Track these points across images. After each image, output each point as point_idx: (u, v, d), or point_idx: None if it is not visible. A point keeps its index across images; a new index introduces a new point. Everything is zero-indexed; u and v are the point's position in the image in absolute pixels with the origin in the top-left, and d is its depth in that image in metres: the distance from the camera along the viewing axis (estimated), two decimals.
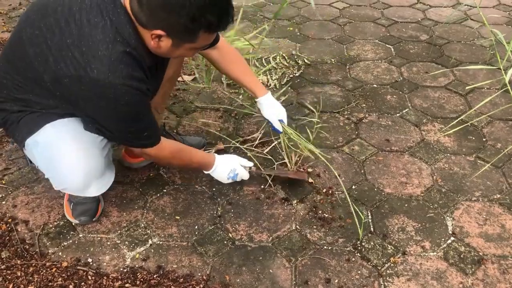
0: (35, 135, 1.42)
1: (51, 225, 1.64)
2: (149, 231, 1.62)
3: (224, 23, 1.26)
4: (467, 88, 2.43)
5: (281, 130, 1.84)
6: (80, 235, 1.60)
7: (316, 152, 1.81)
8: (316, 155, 1.82)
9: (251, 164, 1.76)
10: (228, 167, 1.69)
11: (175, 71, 1.77)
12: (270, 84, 2.46)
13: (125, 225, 1.65)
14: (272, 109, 1.82)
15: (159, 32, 1.22)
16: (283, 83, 2.48)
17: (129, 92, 1.27)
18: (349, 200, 1.65)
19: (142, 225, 1.65)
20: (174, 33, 1.24)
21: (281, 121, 1.83)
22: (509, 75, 1.46)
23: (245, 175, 1.74)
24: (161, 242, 1.58)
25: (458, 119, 2.18)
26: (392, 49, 2.86)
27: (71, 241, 1.58)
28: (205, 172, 1.70)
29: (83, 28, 1.24)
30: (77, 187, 1.50)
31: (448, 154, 2.00)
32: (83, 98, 1.30)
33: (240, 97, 2.35)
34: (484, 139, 2.09)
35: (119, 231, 1.62)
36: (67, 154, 1.43)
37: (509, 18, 3.28)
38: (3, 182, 1.81)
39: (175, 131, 2.08)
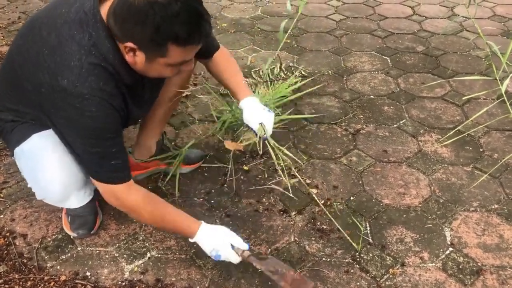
0: (22, 145, 1.44)
1: (49, 239, 1.64)
2: (147, 244, 1.62)
3: (195, 36, 1.20)
4: (463, 98, 2.45)
5: (265, 136, 1.59)
6: (79, 249, 1.60)
7: (294, 158, 1.73)
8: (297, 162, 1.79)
9: (245, 246, 1.44)
10: (210, 245, 1.42)
11: (176, 93, 1.73)
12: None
13: (123, 238, 1.65)
14: (254, 114, 1.59)
15: (130, 44, 1.21)
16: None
17: (95, 102, 1.23)
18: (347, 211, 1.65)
19: (141, 238, 1.65)
20: (144, 46, 1.21)
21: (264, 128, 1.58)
22: (505, 85, 1.47)
23: (233, 259, 1.43)
24: (159, 255, 1.58)
25: (455, 129, 2.19)
26: (389, 60, 2.88)
27: (69, 254, 1.58)
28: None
29: (62, 39, 1.24)
30: (56, 198, 1.51)
31: (446, 165, 2.01)
32: (55, 107, 1.28)
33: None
34: (481, 150, 2.10)
35: (117, 244, 1.62)
36: (47, 165, 1.43)
37: (504, 29, 3.31)
38: (1, 195, 1.81)
39: (173, 143, 2.09)
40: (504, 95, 1.37)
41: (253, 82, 2.58)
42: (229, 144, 1.85)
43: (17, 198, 1.80)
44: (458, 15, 3.52)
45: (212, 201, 1.81)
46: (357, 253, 1.59)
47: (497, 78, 1.51)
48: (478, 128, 2.22)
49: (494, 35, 3.23)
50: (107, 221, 1.71)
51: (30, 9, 3.56)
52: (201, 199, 1.81)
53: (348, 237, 1.61)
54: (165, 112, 1.79)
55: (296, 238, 1.65)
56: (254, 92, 2.48)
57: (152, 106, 1.68)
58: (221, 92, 2.52)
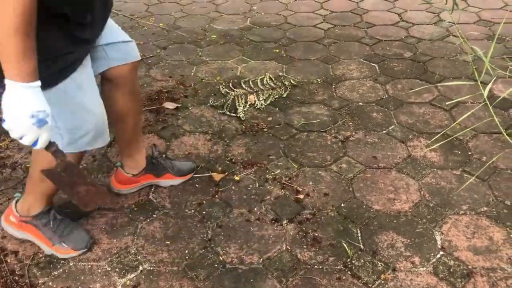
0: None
1: (41, 255, 1.63)
2: (139, 257, 1.62)
3: None
4: (447, 103, 2.47)
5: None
6: (71, 264, 1.60)
7: None
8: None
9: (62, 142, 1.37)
10: (12, 110, 1.15)
11: (133, 108, 1.72)
12: (257, 105, 2.49)
13: (115, 252, 1.65)
14: None
15: None
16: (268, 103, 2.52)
17: None
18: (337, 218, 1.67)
19: (133, 251, 1.65)
20: None
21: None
22: (487, 90, 1.49)
23: (28, 139, 1.19)
24: (151, 268, 1.58)
25: (442, 132, 2.21)
26: (377, 67, 2.91)
27: (61, 270, 1.58)
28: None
29: None
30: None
31: (435, 169, 2.03)
32: None
33: (226, 117, 2.38)
34: (469, 153, 2.12)
35: (109, 258, 1.62)
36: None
37: (489, 34, 3.35)
38: None
39: (164, 155, 2.10)
40: (487, 99, 1.39)
41: (243, 92, 2.60)
42: (216, 176, 1.99)
43: None
44: (444, 21, 3.56)
45: (204, 212, 1.81)
46: (348, 260, 1.60)
47: (479, 83, 1.53)
48: (466, 131, 2.25)
49: (480, 39, 3.27)
50: (99, 235, 1.71)
51: None
52: (192, 211, 1.82)
53: (339, 244, 1.62)
54: (133, 124, 1.77)
55: (288, 247, 1.66)
56: (245, 102, 2.50)
57: (120, 123, 1.72)
58: (211, 103, 2.53)
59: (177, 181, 1.94)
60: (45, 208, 1.61)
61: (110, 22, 1.56)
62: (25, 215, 1.62)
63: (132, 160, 1.85)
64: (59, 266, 1.59)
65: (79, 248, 1.62)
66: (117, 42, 1.56)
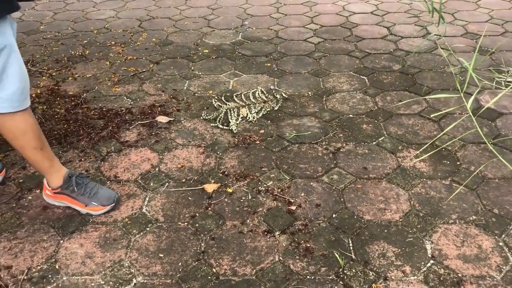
0: None
1: (34, 270, 1.64)
2: (133, 270, 1.63)
3: None
4: (432, 116, 2.52)
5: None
6: (64, 278, 1.60)
7: None
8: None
9: None
10: None
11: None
12: (249, 118, 2.52)
13: (109, 265, 1.65)
14: None
15: None
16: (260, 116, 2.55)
17: None
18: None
19: (126, 264, 1.66)
20: None
21: None
22: (470, 101, 1.54)
23: None
24: (145, 281, 1.59)
25: (429, 142, 2.25)
26: (366, 80, 2.96)
27: (55, 284, 1.58)
28: None
29: None
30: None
31: (424, 179, 2.06)
32: None
33: (218, 130, 2.40)
34: (458, 163, 2.16)
35: (103, 272, 1.63)
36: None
37: (475, 46, 3.42)
38: None
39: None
40: (469, 110, 1.43)
41: (235, 106, 2.63)
42: (208, 187, 2.02)
43: (1, 231, 1.80)
44: (432, 34, 3.63)
45: (197, 225, 1.83)
46: (340, 270, 1.62)
47: (461, 95, 1.57)
48: (455, 141, 2.29)
49: (467, 51, 3.34)
50: (93, 248, 1.72)
51: None
52: (185, 223, 1.83)
53: (331, 254, 1.64)
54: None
55: (280, 258, 1.68)
56: (237, 115, 2.53)
57: None
58: (204, 117, 2.56)
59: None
60: (65, 177, 1.87)
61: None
62: (55, 186, 1.88)
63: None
64: (52, 281, 1.59)
65: (107, 204, 1.87)
66: None
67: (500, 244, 1.71)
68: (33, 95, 2.83)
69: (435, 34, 3.61)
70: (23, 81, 1.62)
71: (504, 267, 1.62)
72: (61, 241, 1.76)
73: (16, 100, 1.61)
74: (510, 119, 2.48)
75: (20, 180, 2.09)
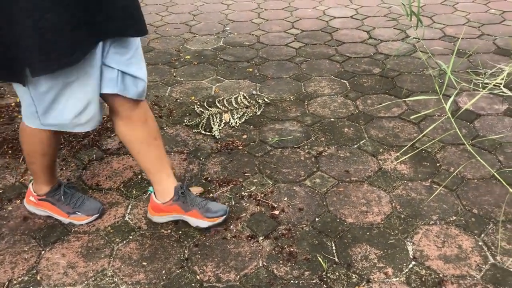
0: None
1: (15, 282, 1.61)
2: (116, 279, 1.62)
3: None
4: (412, 117, 2.56)
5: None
6: None
7: None
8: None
9: None
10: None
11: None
12: (232, 123, 2.53)
13: (91, 275, 1.64)
14: None
15: None
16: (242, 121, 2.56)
17: None
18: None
19: (109, 273, 1.64)
20: None
21: None
22: (449, 103, 1.57)
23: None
24: None
25: (409, 144, 2.28)
26: (347, 84, 2.99)
27: None
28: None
29: None
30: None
31: (405, 181, 2.09)
32: None
33: (201, 136, 2.40)
34: (438, 164, 2.20)
35: (85, 282, 1.61)
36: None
37: (453, 49, 3.49)
38: None
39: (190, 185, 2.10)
40: (448, 112, 1.46)
41: (218, 111, 2.64)
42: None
43: None
44: (411, 37, 3.69)
45: (180, 232, 1.82)
46: (324, 273, 1.63)
47: (440, 97, 1.60)
48: (435, 143, 2.33)
49: (446, 54, 3.40)
50: (75, 258, 1.70)
51: None
52: (169, 231, 1.83)
53: (314, 258, 1.65)
54: (144, 153, 1.76)
55: (264, 263, 1.68)
56: (220, 120, 2.54)
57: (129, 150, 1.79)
58: (186, 123, 2.56)
59: (203, 222, 1.81)
60: (55, 185, 1.86)
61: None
62: (41, 193, 1.86)
63: (159, 187, 1.82)
64: None
65: (91, 214, 1.87)
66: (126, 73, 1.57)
67: (480, 243, 1.75)
68: (13, 104, 2.79)
69: (414, 37, 3.67)
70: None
71: (483, 266, 1.65)
72: (43, 252, 1.74)
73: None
74: (488, 120, 2.53)
75: (0, 191, 2.06)
